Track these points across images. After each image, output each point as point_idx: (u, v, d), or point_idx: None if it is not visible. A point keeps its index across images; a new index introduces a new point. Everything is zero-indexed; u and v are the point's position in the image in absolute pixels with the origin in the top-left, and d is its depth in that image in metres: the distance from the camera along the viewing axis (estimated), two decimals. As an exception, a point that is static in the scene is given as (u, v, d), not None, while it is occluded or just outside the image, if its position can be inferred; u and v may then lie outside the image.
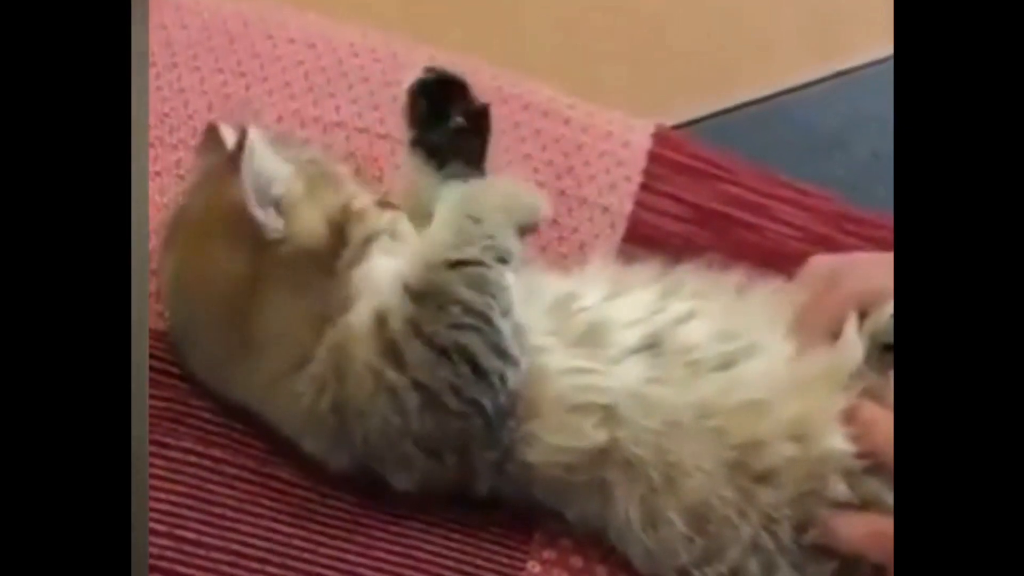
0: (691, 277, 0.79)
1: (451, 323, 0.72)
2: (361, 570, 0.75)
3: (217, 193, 0.76)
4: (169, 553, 0.74)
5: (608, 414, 0.73)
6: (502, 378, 0.72)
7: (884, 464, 0.70)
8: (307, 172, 0.78)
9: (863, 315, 0.75)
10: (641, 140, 0.96)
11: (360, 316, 0.74)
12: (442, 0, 1.63)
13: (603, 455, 0.73)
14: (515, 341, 0.73)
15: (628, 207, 0.93)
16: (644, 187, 0.94)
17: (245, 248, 0.75)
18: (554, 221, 0.89)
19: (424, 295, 0.73)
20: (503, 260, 0.74)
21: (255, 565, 0.74)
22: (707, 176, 0.96)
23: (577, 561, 0.77)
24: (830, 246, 0.91)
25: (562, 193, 0.92)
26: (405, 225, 0.79)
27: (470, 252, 0.73)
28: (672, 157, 0.96)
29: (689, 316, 0.76)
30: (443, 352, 0.72)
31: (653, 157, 0.95)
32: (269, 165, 0.75)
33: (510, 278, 0.74)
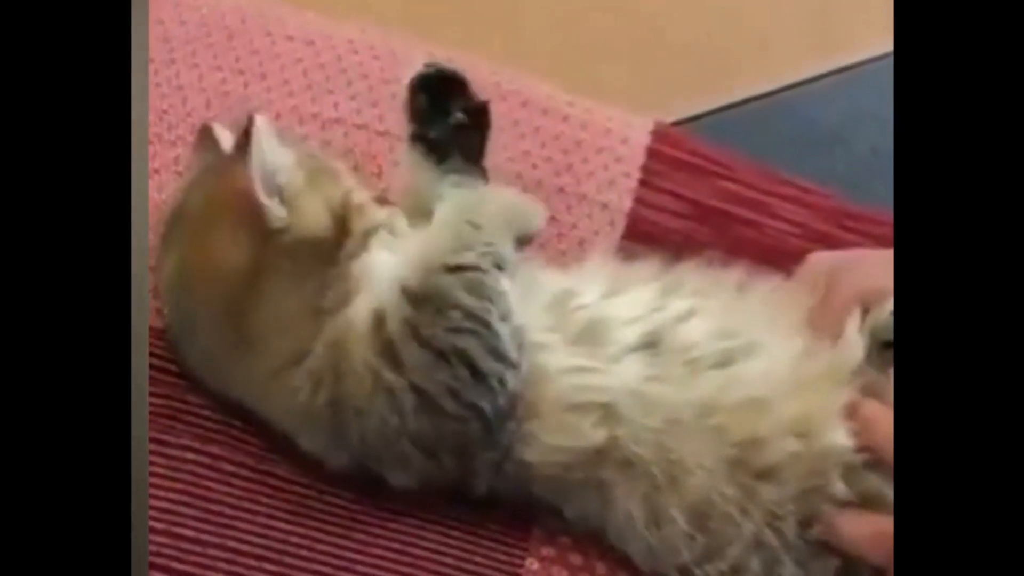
0: (691, 275, 0.79)
1: (450, 327, 0.72)
2: (359, 567, 0.75)
3: (219, 186, 0.76)
4: (167, 551, 0.73)
5: (607, 413, 0.73)
6: (501, 381, 0.72)
7: (883, 461, 0.70)
8: (307, 165, 0.78)
9: (863, 312, 0.75)
10: (640, 137, 0.96)
11: (359, 313, 0.74)
12: (441, -3, 1.63)
13: (601, 454, 0.73)
14: (513, 344, 0.73)
15: (627, 204, 0.92)
16: (643, 184, 0.93)
17: (247, 239, 0.75)
18: (553, 218, 0.89)
19: (423, 298, 0.73)
20: (500, 267, 0.74)
21: (253, 562, 0.74)
22: (706, 173, 0.95)
23: (576, 558, 0.77)
24: (830, 243, 0.91)
25: (561, 190, 0.92)
26: (402, 222, 0.79)
27: (469, 257, 0.74)
28: (671, 154, 0.96)
29: (689, 314, 0.76)
30: (441, 355, 0.72)
31: (652, 154, 0.95)
32: (275, 154, 0.76)
33: (507, 284, 0.74)
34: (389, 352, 0.72)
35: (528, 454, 0.74)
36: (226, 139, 0.80)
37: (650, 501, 0.73)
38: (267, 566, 0.74)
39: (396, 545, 0.76)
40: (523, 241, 0.78)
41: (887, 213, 0.92)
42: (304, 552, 0.75)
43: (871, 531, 0.70)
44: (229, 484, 0.77)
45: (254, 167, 0.73)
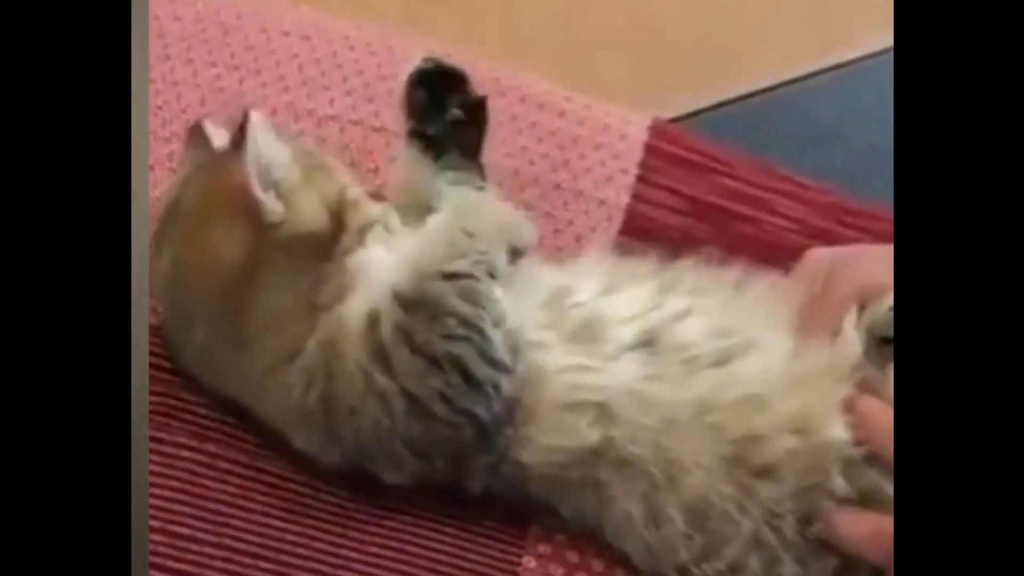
0: (688, 273, 0.79)
1: (444, 333, 0.72)
2: (355, 565, 0.75)
3: (214, 182, 0.76)
4: (163, 549, 0.73)
5: (603, 412, 0.73)
6: (495, 386, 0.72)
7: (881, 456, 0.70)
8: (303, 161, 0.78)
9: (861, 308, 0.75)
10: (638, 133, 0.96)
11: (353, 312, 0.74)
12: (439, -7, 1.62)
13: (598, 454, 0.73)
14: (507, 349, 0.73)
15: (625, 200, 0.92)
16: (641, 180, 0.93)
17: (242, 234, 0.74)
18: (550, 214, 0.89)
19: (416, 304, 0.73)
20: (493, 275, 0.74)
21: (248, 560, 0.74)
22: (704, 169, 0.95)
23: (573, 556, 0.77)
24: (828, 239, 0.91)
25: (558, 186, 0.92)
26: (395, 219, 0.79)
27: (462, 265, 0.74)
28: (669, 150, 0.95)
29: (686, 313, 0.76)
30: (434, 362, 0.72)
31: (650, 150, 0.95)
32: (270, 149, 0.75)
33: (500, 292, 0.74)
34: (381, 356, 0.72)
35: (524, 455, 0.74)
36: (218, 137, 0.79)
37: (648, 500, 0.73)
38: (263, 564, 0.74)
39: (392, 543, 0.76)
40: (515, 253, 0.77)
41: (886, 209, 0.92)
42: (300, 549, 0.75)
43: (870, 530, 0.70)
44: (225, 482, 0.77)
45: (250, 162, 0.73)
